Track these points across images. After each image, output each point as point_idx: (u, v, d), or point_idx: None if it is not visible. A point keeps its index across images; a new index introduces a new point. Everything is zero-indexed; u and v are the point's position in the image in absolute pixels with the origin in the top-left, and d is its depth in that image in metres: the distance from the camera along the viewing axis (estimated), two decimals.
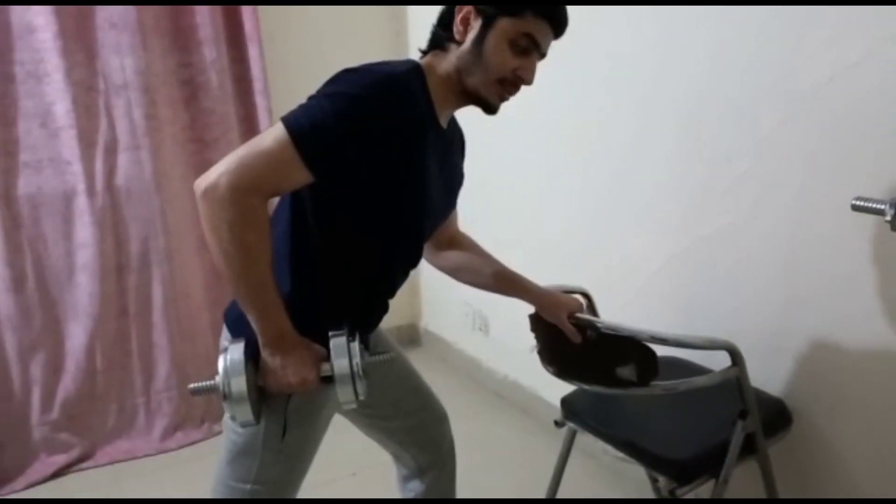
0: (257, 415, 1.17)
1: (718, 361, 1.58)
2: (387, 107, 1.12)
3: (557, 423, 1.87)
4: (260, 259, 1.11)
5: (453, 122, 1.41)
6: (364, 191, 1.18)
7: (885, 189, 1.50)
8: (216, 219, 1.06)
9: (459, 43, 1.24)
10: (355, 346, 1.16)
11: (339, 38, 3.07)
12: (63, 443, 2.55)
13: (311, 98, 1.14)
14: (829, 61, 1.58)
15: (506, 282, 1.57)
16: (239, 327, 1.21)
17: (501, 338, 2.94)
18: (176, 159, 2.64)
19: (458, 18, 1.23)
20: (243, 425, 1.20)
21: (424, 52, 1.31)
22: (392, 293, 1.38)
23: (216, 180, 1.05)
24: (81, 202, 2.46)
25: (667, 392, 1.51)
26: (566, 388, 1.72)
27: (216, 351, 3.05)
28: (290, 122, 1.09)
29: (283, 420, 1.25)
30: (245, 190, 1.06)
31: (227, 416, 1.29)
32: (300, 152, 1.08)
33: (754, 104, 1.75)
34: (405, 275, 1.39)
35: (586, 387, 1.59)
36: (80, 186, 2.46)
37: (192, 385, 1.17)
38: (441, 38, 1.26)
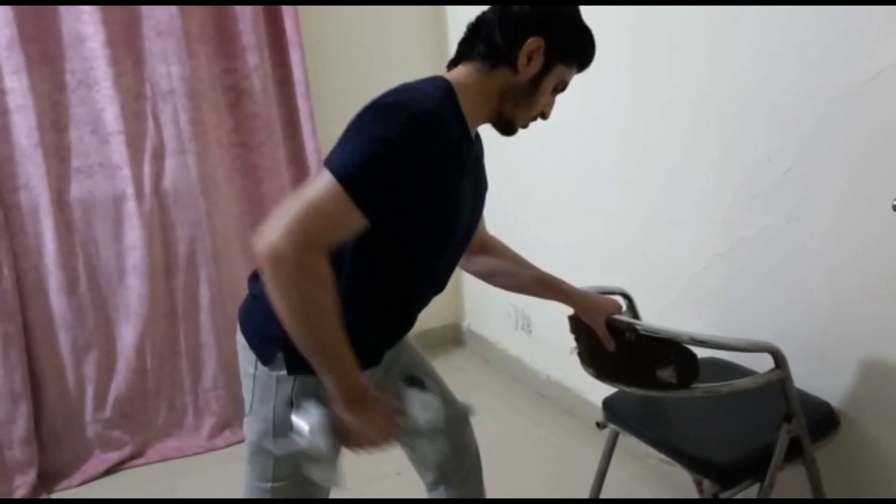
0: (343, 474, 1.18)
1: (763, 363, 1.55)
2: (427, 146, 1.09)
3: (599, 425, 1.86)
4: (332, 316, 1.07)
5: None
6: (408, 221, 1.16)
7: None
8: (285, 281, 1.03)
9: (515, 72, 1.23)
10: (436, 400, 1.19)
11: (379, 42, 3.11)
12: (116, 440, 2.63)
13: (350, 138, 1.09)
14: (873, 60, 1.54)
15: (541, 284, 1.56)
16: (268, 348, 1.23)
17: (545, 337, 2.93)
18: (221, 163, 2.70)
19: (525, 50, 1.21)
20: (329, 484, 1.22)
21: (459, 61, 1.27)
22: (422, 308, 1.38)
23: (276, 242, 1.01)
24: (130, 206, 2.53)
25: (708, 394, 1.48)
26: (610, 389, 1.70)
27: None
28: (339, 170, 1.05)
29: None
30: (308, 248, 1.02)
31: (246, 418, 1.32)
32: (354, 200, 1.04)
33: (797, 103, 1.71)
34: (438, 290, 1.38)
35: (626, 389, 1.57)
36: (129, 190, 2.53)
37: (278, 450, 1.20)
38: (499, 57, 1.22)
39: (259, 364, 1.25)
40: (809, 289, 1.78)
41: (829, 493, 1.70)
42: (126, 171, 2.52)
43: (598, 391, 1.85)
